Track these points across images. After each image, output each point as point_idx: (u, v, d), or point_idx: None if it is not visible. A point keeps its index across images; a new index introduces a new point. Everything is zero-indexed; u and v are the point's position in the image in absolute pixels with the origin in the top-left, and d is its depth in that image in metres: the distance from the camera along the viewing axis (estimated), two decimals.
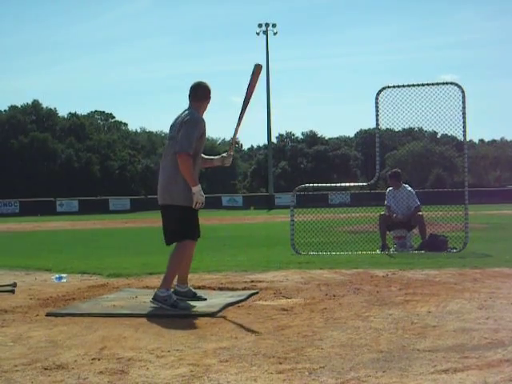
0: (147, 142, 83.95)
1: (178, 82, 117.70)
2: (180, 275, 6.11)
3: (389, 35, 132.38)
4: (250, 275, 7.90)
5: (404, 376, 3.48)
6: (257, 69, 6.14)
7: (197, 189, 5.69)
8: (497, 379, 3.38)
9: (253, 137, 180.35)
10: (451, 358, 3.78)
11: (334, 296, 6.16)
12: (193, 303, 5.84)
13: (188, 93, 6.03)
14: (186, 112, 5.90)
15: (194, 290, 6.22)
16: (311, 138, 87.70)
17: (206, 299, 6.05)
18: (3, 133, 70.75)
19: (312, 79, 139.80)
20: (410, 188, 11.51)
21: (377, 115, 10.88)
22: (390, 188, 11.62)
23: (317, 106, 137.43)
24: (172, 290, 5.90)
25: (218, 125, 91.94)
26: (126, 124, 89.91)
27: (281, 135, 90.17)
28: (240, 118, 6.17)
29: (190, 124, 5.76)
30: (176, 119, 5.95)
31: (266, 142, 66.65)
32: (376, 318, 5.08)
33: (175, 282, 6.03)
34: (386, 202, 11.57)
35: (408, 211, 11.19)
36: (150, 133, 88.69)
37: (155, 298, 5.75)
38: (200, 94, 6.00)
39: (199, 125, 5.81)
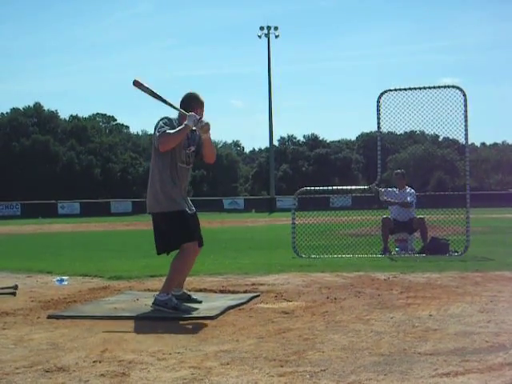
0: (149, 144, 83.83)
1: (179, 85, 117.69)
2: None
3: (390, 39, 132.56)
4: (252, 278, 7.89)
5: (405, 379, 3.48)
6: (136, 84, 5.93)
7: (187, 117, 5.63)
8: (498, 383, 3.38)
9: (254, 140, 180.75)
10: (452, 362, 3.78)
11: (336, 299, 6.16)
12: (194, 306, 5.85)
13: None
14: None
15: (188, 293, 6.21)
16: (313, 141, 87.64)
17: (201, 302, 6.04)
18: (5, 135, 70.75)
19: (314, 82, 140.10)
20: (412, 190, 11.55)
21: (378, 118, 10.88)
22: (390, 189, 11.64)
23: (318, 109, 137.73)
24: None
25: (218, 128, 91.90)
26: (127, 127, 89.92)
27: (282, 138, 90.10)
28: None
29: (157, 123, 5.79)
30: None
31: (267, 144, 66.69)
32: (377, 321, 5.08)
33: None
34: (385, 198, 11.53)
35: (410, 214, 11.23)
36: (152, 136, 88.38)
37: (155, 303, 5.74)
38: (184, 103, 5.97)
39: (163, 118, 5.82)
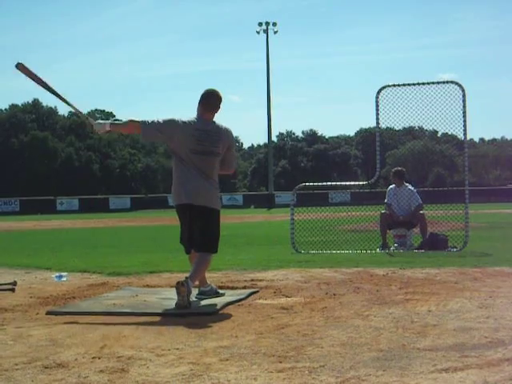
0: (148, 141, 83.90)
1: (178, 81, 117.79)
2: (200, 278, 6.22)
3: (389, 34, 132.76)
4: (250, 274, 7.90)
5: (404, 375, 3.48)
6: (19, 67, 6.06)
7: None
8: (497, 378, 3.38)
9: (253, 135, 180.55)
10: (451, 357, 3.78)
11: (334, 295, 6.16)
12: (194, 301, 5.85)
13: (200, 100, 6.00)
14: (226, 128, 6.04)
15: (214, 287, 6.32)
16: (311, 137, 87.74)
17: (224, 294, 6.24)
18: (4, 132, 70.74)
19: (312, 78, 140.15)
20: (411, 187, 11.52)
21: (377, 114, 10.87)
22: (392, 186, 11.62)
23: (317, 105, 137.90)
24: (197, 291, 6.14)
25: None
26: None
27: (281, 134, 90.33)
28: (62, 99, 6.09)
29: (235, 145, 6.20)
30: (202, 131, 5.90)
31: (266, 140, 66.67)
32: (376, 316, 5.08)
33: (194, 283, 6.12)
34: (386, 200, 11.57)
35: (409, 210, 11.19)
36: None
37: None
38: (213, 103, 6.01)
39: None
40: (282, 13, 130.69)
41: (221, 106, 6.06)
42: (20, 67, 5.98)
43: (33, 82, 6.02)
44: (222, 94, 6.09)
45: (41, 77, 6.01)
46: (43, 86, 6.03)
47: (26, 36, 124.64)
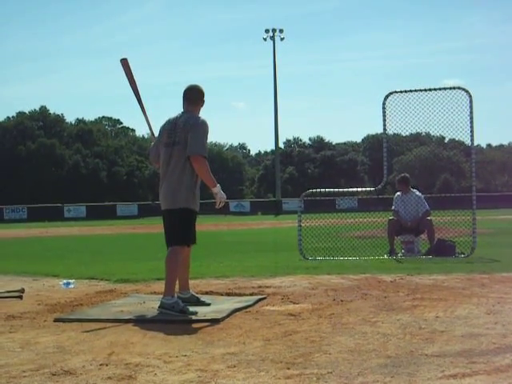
0: None
1: (182, 88, 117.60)
2: (180, 282, 6.14)
3: (395, 40, 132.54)
4: (258, 280, 7.89)
5: (412, 381, 3.47)
6: (123, 63, 6.43)
7: (217, 188, 5.81)
8: None
9: (260, 142, 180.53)
10: (459, 363, 3.77)
11: (342, 301, 6.15)
12: (200, 309, 5.84)
13: (182, 96, 6.09)
14: (188, 115, 5.92)
15: (197, 295, 6.23)
16: (318, 144, 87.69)
17: (209, 304, 6.06)
18: (11, 139, 70.96)
19: (319, 84, 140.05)
20: (418, 193, 11.50)
21: (384, 120, 10.86)
22: (399, 193, 11.61)
23: (324, 111, 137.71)
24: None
25: (222, 130, 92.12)
26: (133, 130, 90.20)
27: (288, 140, 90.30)
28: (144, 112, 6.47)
29: (199, 127, 5.81)
30: (171, 123, 5.95)
31: (273, 147, 66.76)
32: (384, 323, 5.07)
33: (176, 289, 6.01)
34: (393, 207, 11.55)
35: (417, 216, 11.17)
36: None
37: (162, 306, 5.73)
38: (195, 97, 6.08)
39: (207, 128, 5.87)
40: (289, 20, 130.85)
41: (204, 99, 6.14)
42: (124, 62, 6.38)
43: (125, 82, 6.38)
44: (203, 88, 6.17)
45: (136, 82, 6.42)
46: (134, 91, 6.42)
47: (33, 43, 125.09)
